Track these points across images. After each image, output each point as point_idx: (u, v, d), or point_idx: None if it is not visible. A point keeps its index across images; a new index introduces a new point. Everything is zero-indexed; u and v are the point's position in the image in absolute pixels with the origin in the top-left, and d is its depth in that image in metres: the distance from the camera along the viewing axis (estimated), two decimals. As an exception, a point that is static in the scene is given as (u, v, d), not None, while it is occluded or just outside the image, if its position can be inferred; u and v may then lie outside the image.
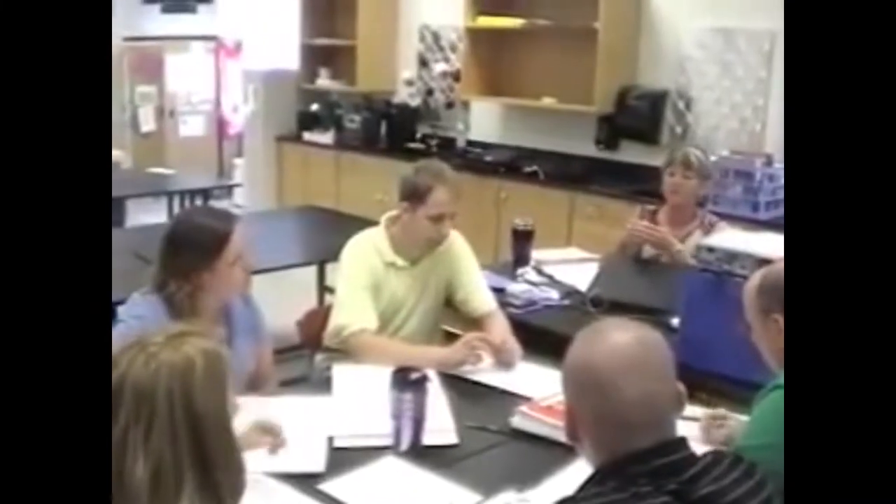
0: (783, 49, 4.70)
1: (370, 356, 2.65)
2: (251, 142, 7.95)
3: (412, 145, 6.82)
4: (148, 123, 9.71)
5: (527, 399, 2.35)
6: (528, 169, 5.85)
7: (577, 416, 1.45)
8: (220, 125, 9.98)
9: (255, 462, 1.94)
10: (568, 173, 5.74)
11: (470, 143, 6.64)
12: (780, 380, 1.80)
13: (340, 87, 7.48)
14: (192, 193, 6.29)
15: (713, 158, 4.23)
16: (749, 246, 2.58)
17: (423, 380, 2.17)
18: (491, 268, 3.58)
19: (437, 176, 2.81)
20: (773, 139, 5.07)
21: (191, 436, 1.38)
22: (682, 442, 1.42)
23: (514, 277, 3.51)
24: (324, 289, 5.05)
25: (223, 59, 9.72)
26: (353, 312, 2.76)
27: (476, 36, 6.22)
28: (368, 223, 3.20)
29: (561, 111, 5.92)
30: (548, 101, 5.90)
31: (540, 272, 3.60)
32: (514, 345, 2.72)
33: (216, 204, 6.25)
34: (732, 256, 2.56)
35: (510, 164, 6.00)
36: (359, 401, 2.37)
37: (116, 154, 7.85)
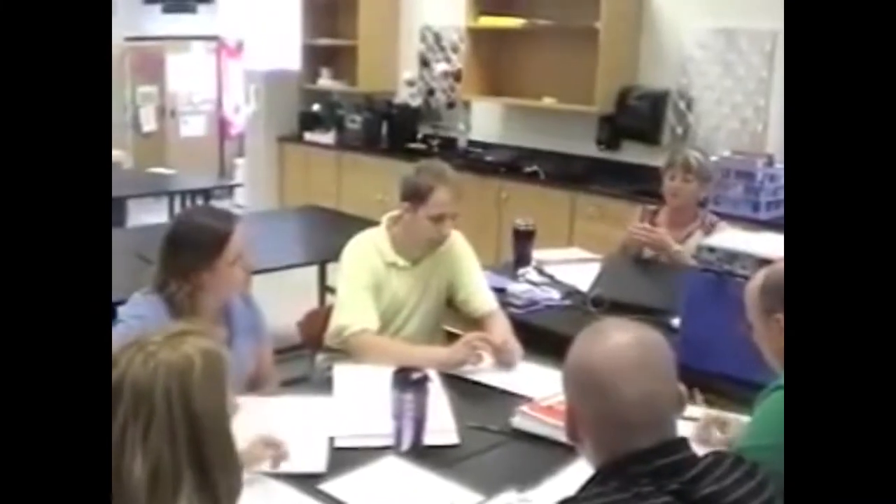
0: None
1: (371, 356, 2.65)
2: (252, 142, 7.96)
3: (413, 145, 6.83)
4: (149, 123, 9.72)
5: (528, 399, 2.35)
6: (529, 169, 5.85)
7: (577, 417, 1.45)
8: (222, 125, 9.99)
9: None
10: (569, 173, 5.74)
11: (471, 143, 6.65)
12: (782, 380, 1.80)
13: (342, 88, 7.48)
14: (194, 193, 6.29)
15: (714, 159, 4.23)
16: (750, 246, 2.58)
17: (424, 380, 2.17)
18: (492, 268, 3.58)
19: (438, 176, 2.81)
20: (775, 139, 5.07)
21: (189, 435, 1.38)
22: (684, 442, 1.42)
23: (515, 277, 3.51)
24: (325, 289, 5.06)
25: (224, 59, 9.73)
26: (354, 313, 2.76)
27: (477, 36, 6.22)
28: (369, 223, 3.20)
29: (562, 111, 5.92)
30: (549, 102, 5.90)
31: (541, 272, 3.60)
32: (514, 345, 2.72)
33: (217, 204, 6.24)
34: (733, 257, 2.56)
35: (511, 165, 6.00)
36: (360, 401, 2.37)
37: (117, 154, 7.86)
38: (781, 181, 4.74)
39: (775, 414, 1.66)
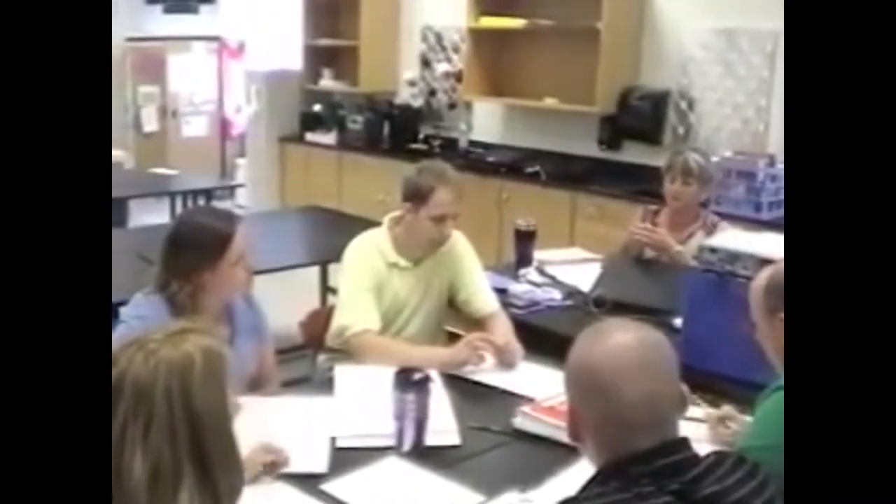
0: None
1: (372, 357, 2.65)
2: (254, 142, 7.96)
3: (414, 146, 6.83)
4: (150, 124, 9.72)
5: (529, 400, 2.35)
6: (530, 169, 5.85)
7: (579, 417, 1.45)
8: (223, 126, 9.99)
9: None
10: (570, 174, 5.74)
11: (472, 143, 6.64)
12: (783, 380, 1.80)
13: (343, 88, 7.48)
14: (195, 194, 6.29)
15: (715, 159, 4.22)
16: (751, 246, 2.58)
17: (426, 380, 2.17)
18: (493, 268, 3.57)
19: (439, 176, 2.81)
20: (776, 140, 5.06)
21: (189, 433, 1.37)
22: (685, 442, 1.42)
23: (516, 278, 3.51)
24: (326, 289, 5.06)
25: (226, 60, 9.73)
26: (355, 313, 2.76)
27: (478, 36, 6.22)
28: (371, 224, 3.20)
29: (563, 111, 5.92)
30: (550, 102, 5.90)
31: (542, 273, 3.60)
32: (515, 345, 2.72)
33: (219, 204, 6.25)
34: (735, 257, 2.56)
35: (512, 165, 6.00)
36: (361, 401, 2.37)
37: (119, 154, 7.87)
38: (783, 181, 4.73)
39: (776, 414, 1.66)
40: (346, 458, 2.09)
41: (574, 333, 1.50)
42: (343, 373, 2.56)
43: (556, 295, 3.34)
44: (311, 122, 7.52)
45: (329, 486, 1.97)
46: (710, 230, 3.56)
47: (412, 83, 7.07)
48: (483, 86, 6.33)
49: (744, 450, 1.62)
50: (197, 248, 2.33)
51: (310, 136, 7.46)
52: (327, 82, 7.55)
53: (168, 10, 9.74)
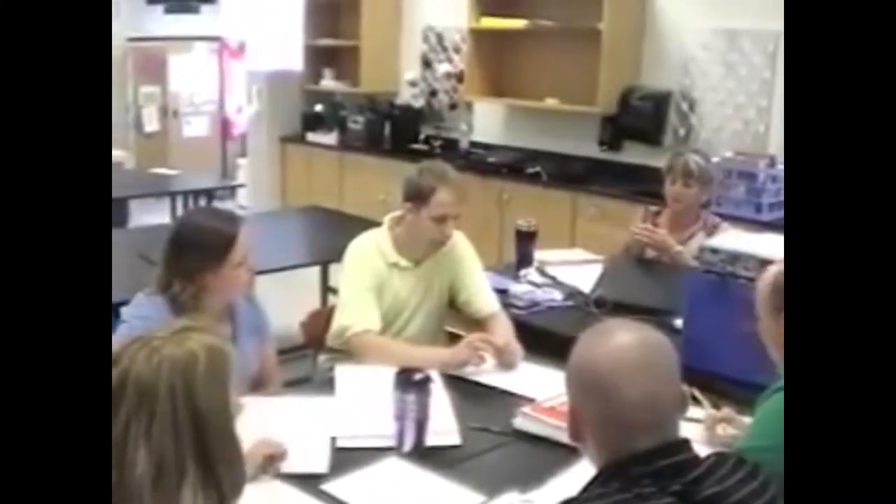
0: (787, 50, 4.68)
1: (373, 357, 2.65)
2: (255, 142, 7.96)
3: (415, 146, 6.83)
4: (151, 124, 9.73)
5: (529, 400, 2.35)
6: (531, 170, 5.85)
7: (580, 417, 1.45)
8: (224, 126, 10.00)
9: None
10: (571, 174, 5.74)
11: (473, 144, 6.64)
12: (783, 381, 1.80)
13: (344, 88, 7.48)
14: (196, 194, 6.29)
15: (715, 160, 4.22)
16: (752, 247, 2.58)
17: (427, 381, 2.17)
18: (494, 269, 3.58)
19: (440, 177, 2.81)
20: (777, 140, 5.06)
21: (193, 431, 1.38)
22: (686, 443, 1.42)
23: (516, 278, 3.51)
24: (327, 289, 5.06)
25: (227, 60, 9.73)
26: (356, 313, 2.76)
27: (480, 37, 6.22)
28: (372, 224, 3.20)
29: (564, 112, 5.92)
30: (551, 102, 5.90)
31: (543, 273, 3.60)
32: (515, 346, 2.72)
33: (220, 205, 6.25)
34: (735, 258, 2.56)
35: (513, 165, 6.00)
36: (362, 401, 2.37)
37: (119, 154, 7.88)
38: (783, 182, 4.73)
39: (777, 415, 1.66)
40: (346, 459, 2.09)
41: (575, 334, 1.50)
42: (343, 373, 2.56)
43: (557, 295, 3.34)
44: (312, 122, 7.52)
45: (329, 487, 1.97)
46: (711, 231, 3.56)
47: (413, 83, 7.07)
48: (484, 86, 6.33)
49: (744, 451, 1.62)
50: (200, 249, 2.33)
51: (311, 137, 7.46)
52: (328, 82, 7.55)
53: (169, 11, 9.74)
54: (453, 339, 2.92)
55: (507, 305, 3.11)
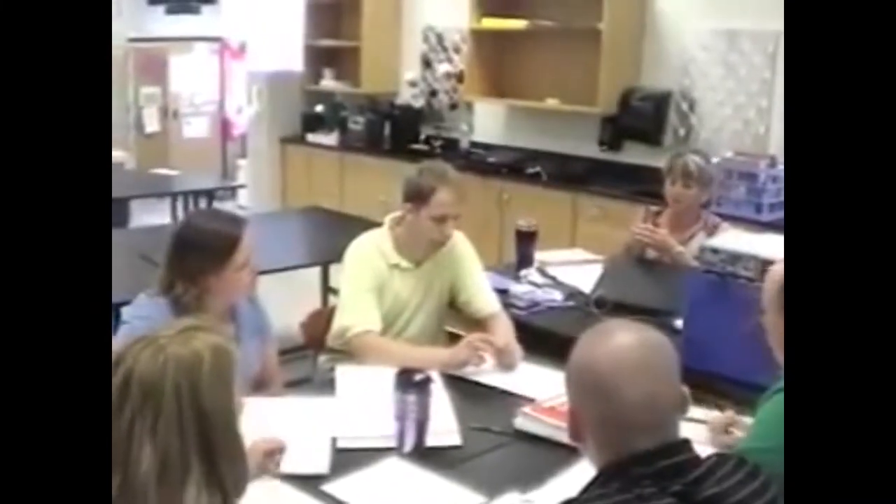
0: (787, 50, 4.68)
1: (373, 357, 2.65)
2: (255, 143, 7.97)
3: (416, 146, 6.83)
4: (152, 124, 9.73)
5: (530, 400, 2.35)
6: (531, 170, 5.85)
7: (580, 418, 1.45)
8: (224, 126, 10.00)
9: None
10: (571, 174, 5.74)
11: (473, 144, 6.65)
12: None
13: (344, 89, 7.48)
14: (196, 194, 6.29)
15: (715, 160, 4.22)
16: (752, 247, 2.58)
17: (427, 381, 2.17)
18: (494, 269, 3.58)
19: (440, 177, 2.81)
20: (777, 141, 5.06)
21: (198, 430, 1.39)
22: (686, 444, 1.42)
23: (517, 278, 3.51)
24: (328, 290, 5.06)
25: (227, 61, 9.73)
26: (356, 314, 2.76)
27: (480, 37, 6.22)
28: (372, 224, 3.20)
29: (564, 112, 5.92)
30: (551, 103, 5.90)
31: (543, 273, 3.60)
32: (515, 347, 2.72)
33: (220, 205, 6.25)
34: (736, 258, 2.56)
35: (513, 166, 6.00)
36: (362, 402, 2.37)
37: (120, 155, 7.88)
38: (784, 183, 4.73)
39: (777, 416, 1.66)
40: (347, 459, 2.09)
41: (575, 334, 1.50)
42: (344, 373, 2.56)
43: (557, 296, 3.34)
44: (312, 122, 7.52)
45: (330, 487, 1.97)
46: (712, 231, 3.56)
47: (413, 84, 7.07)
48: (484, 86, 6.33)
49: (744, 451, 1.62)
50: (203, 251, 2.33)
51: (311, 137, 7.47)
52: (328, 83, 7.56)
53: (170, 11, 9.75)
54: (453, 339, 2.92)
55: (507, 305, 3.11)
